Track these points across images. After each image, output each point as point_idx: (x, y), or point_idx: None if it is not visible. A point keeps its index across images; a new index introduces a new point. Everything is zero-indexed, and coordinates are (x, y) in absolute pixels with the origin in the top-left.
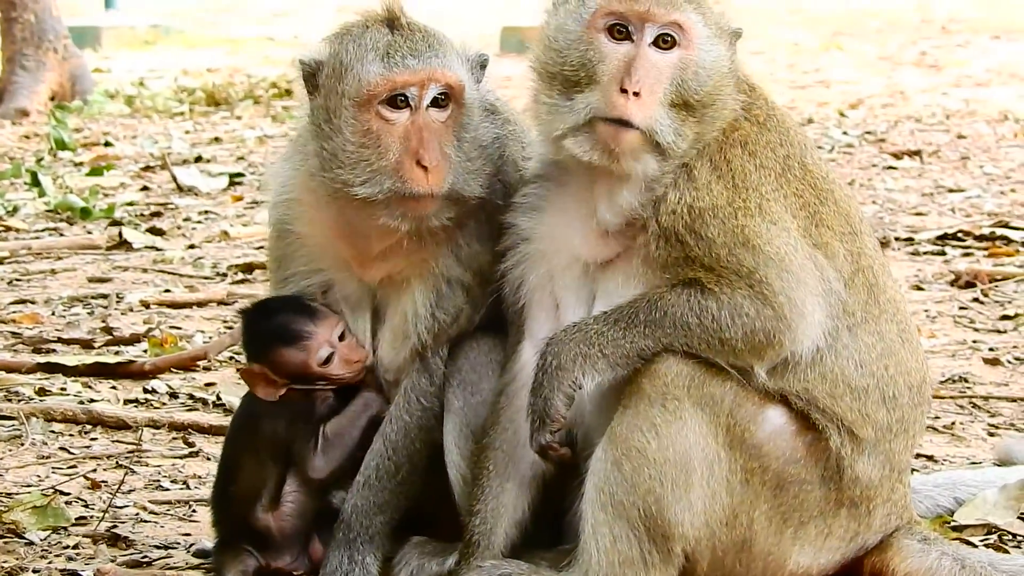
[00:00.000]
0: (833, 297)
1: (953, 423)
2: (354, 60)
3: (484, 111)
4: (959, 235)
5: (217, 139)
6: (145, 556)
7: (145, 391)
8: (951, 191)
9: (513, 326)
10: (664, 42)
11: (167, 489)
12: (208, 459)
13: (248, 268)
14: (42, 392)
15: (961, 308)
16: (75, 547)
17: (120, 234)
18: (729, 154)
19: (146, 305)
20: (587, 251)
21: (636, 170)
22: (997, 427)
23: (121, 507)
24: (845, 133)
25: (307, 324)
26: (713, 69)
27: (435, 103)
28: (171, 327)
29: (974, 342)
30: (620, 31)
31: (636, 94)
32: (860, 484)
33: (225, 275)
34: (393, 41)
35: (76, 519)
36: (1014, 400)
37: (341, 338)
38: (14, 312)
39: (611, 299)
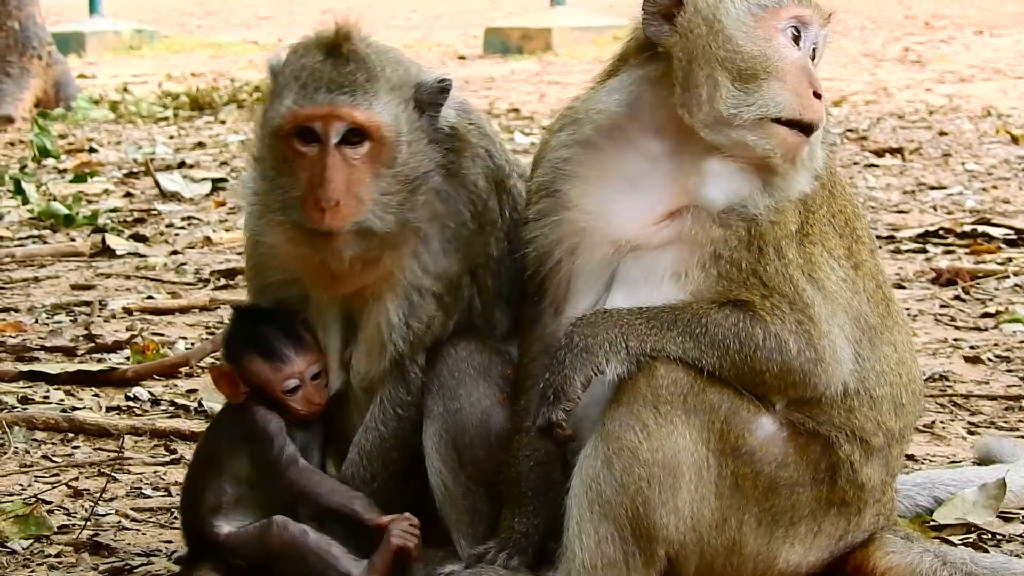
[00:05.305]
0: (863, 325)
1: (933, 422)
2: (282, 85)
3: (431, 139)
4: (940, 233)
5: (201, 144)
6: (127, 564)
7: (127, 398)
8: (933, 188)
9: (532, 299)
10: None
11: (149, 496)
12: None
13: (230, 274)
14: (25, 401)
15: (942, 306)
16: (57, 555)
17: (103, 241)
18: None
19: (129, 312)
20: (635, 231)
21: (797, 177)
22: (977, 426)
23: (103, 515)
24: (827, 131)
25: (290, 348)
26: None
27: (348, 140)
28: (153, 334)
29: (955, 340)
30: (796, 35)
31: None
32: (864, 489)
33: (207, 281)
34: (318, 70)
35: (58, 527)
36: (994, 398)
37: (315, 377)
38: None
39: (632, 289)
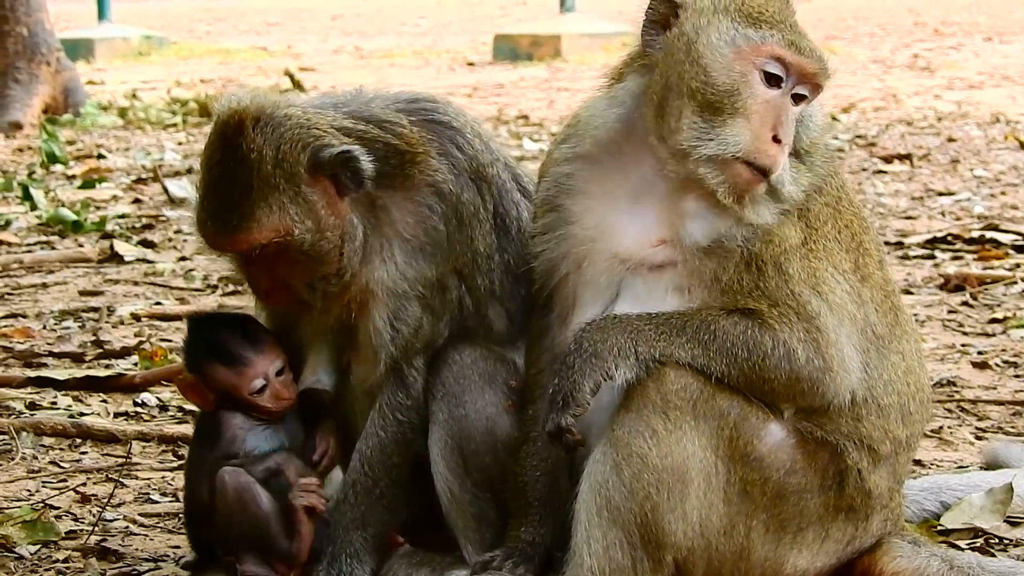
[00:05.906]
0: (870, 335)
1: (941, 427)
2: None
3: (353, 192)
4: (949, 239)
5: None
6: (135, 569)
7: (135, 404)
8: (941, 194)
9: (540, 310)
10: (800, 98)
11: (156, 502)
12: None
13: (239, 280)
14: (32, 406)
15: (950, 312)
16: (65, 561)
17: (111, 247)
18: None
19: (137, 318)
20: (635, 250)
21: (754, 216)
22: (985, 431)
23: (111, 520)
24: (835, 138)
25: (249, 350)
26: (818, 117)
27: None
28: (162, 340)
29: (963, 346)
30: (775, 79)
31: (783, 146)
32: (871, 496)
33: (216, 287)
34: (204, 189)
35: (66, 533)
36: (1002, 403)
37: (279, 373)
38: (5, 326)
39: (637, 301)
